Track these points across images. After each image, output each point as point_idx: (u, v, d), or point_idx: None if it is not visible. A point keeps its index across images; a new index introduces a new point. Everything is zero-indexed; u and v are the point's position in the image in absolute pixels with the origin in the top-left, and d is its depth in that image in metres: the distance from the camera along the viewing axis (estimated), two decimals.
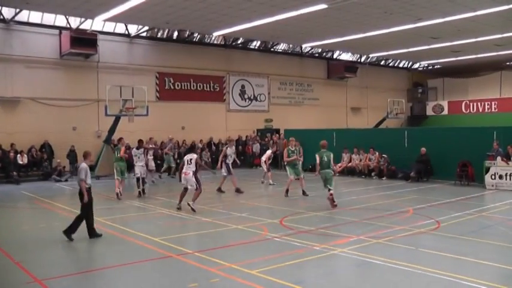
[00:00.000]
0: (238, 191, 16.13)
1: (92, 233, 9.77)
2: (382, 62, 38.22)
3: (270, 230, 10.26)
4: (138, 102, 21.51)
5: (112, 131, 22.21)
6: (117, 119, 21.74)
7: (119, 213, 12.96)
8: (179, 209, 12.93)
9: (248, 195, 16.14)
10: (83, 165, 9.80)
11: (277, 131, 30.15)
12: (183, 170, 12.92)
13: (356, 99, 36.33)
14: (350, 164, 21.89)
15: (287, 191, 15.42)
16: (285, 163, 15.73)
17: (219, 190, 16.25)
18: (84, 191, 9.64)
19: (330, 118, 33.32)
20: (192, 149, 14.21)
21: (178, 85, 27.23)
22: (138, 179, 16.03)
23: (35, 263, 8.10)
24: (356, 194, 15.86)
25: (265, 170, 19.20)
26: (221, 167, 16.12)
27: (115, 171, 15.62)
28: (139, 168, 16.03)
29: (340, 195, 15.54)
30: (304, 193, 15.40)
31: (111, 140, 22.59)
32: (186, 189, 12.98)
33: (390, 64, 39.00)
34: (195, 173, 12.79)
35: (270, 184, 18.51)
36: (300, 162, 16.29)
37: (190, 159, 12.80)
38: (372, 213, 12.34)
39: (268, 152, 20.09)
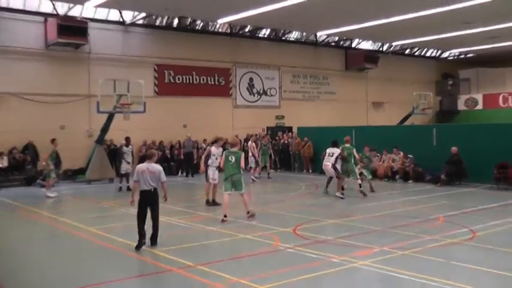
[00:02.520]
0: (214, 203, 14.76)
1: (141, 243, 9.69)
2: (407, 51, 37.98)
3: (282, 240, 10.20)
4: (135, 98, 21.47)
5: (105, 130, 22.22)
6: (111, 116, 21.74)
7: (113, 222, 12.97)
8: (326, 193, 16.58)
9: (258, 200, 16.11)
10: (160, 167, 9.95)
11: (290, 129, 30.09)
12: (324, 162, 16.38)
13: (377, 93, 36.15)
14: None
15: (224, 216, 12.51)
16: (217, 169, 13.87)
17: (214, 203, 14.72)
18: (166, 191, 10.04)
19: (348, 114, 33.20)
20: (335, 144, 16.50)
21: (179, 78, 27.25)
22: (123, 175, 18.79)
23: (17, 283, 8.05)
24: (378, 199, 15.74)
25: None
26: (205, 170, 14.95)
27: (54, 172, 18.12)
28: (126, 166, 18.62)
29: (360, 201, 15.46)
30: (250, 214, 12.68)
31: (104, 140, 22.66)
32: (331, 177, 16.48)
33: (416, 53, 38.75)
34: (333, 165, 16.00)
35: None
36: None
37: (333, 153, 16.15)
38: (397, 220, 12.24)
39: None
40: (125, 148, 18.93)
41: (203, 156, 15.25)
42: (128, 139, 19.13)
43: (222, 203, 12.79)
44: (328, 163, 16.30)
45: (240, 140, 27.73)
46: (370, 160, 18.53)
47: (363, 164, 17.64)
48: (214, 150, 14.80)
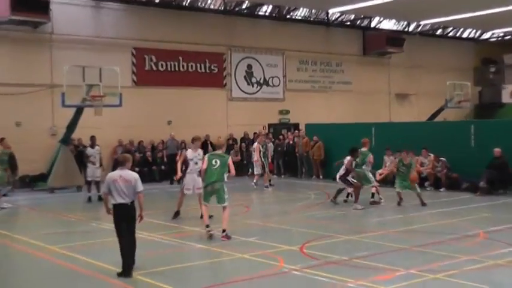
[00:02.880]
0: (177, 214, 14.95)
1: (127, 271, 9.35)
2: (439, 32, 37.95)
3: (287, 260, 10.15)
4: (108, 89, 21.39)
5: (72, 127, 22.14)
6: (79, 111, 21.65)
7: (81, 239, 12.87)
8: (334, 203, 16.88)
9: (258, 212, 16.05)
10: (136, 175, 9.66)
11: (296, 126, 30.04)
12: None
13: (402, 83, 36.15)
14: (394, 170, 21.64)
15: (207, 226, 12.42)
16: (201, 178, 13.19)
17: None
18: (142, 205, 9.66)
19: (366, 108, 33.25)
20: (352, 152, 16.53)
21: (162, 65, 27.25)
22: (90, 182, 18.81)
23: None
24: (403, 211, 15.68)
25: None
26: (182, 176, 14.88)
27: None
28: (92, 171, 18.65)
29: (381, 213, 15.41)
30: (225, 234, 12.19)
31: (70, 140, 22.57)
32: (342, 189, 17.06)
33: (450, 34, 38.71)
34: (342, 176, 16.54)
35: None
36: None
37: (343, 163, 16.75)
38: (427, 237, 12.19)
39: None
40: (89, 150, 18.98)
41: (179, 163, 15.04)
42: (93, 138, 19.20)
43: (203, 216, 12.64)
44: (336, 176, 17.12)
45: (235, 140, 27.74)
46: (410, 169, 16.86)
47: (394, 170, 17.58)
48: (191, 153, 14.64)
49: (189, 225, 14.14)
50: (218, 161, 12.11)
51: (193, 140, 14.98)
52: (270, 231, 13.31)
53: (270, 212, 16.74)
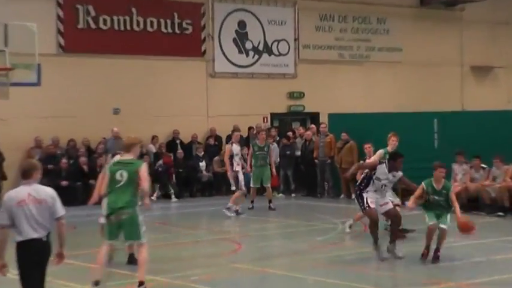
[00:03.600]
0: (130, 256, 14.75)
1: None
2: None
3: None
4: (19, 57, 21.55)
5: None
6: None
7: None
8: None
9: (254, 251, 16.26)
10: (52, 192, 9.25)
11: (314, 117, 30.25)
12: None
13: (482, 50, 36.43)
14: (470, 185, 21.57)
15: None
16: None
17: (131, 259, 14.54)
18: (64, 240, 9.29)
19: (426, 89, 33.60)
20: (391, 158, 15.79)
21: (105, 21, 27.45)
22: None
23: None
24: (485, 252, 15.56)
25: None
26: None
27: None
28: None
29: (450, 255, 15.20)
30: None
31: None
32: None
33: None
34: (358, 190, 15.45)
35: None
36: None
37: None
38: None
39: None
40: None
41: (100, 177, 14.77)
42: None
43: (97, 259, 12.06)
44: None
45: (220, 138, 27.75)
46: (447, 198, 15.09)
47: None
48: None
49: (147, 271, 13.94)
50: (125, 174, 11.66)
51: (128, 145, 14.02)
52: (272, 280, 13.39)
53: (272, 250, 16.84)
